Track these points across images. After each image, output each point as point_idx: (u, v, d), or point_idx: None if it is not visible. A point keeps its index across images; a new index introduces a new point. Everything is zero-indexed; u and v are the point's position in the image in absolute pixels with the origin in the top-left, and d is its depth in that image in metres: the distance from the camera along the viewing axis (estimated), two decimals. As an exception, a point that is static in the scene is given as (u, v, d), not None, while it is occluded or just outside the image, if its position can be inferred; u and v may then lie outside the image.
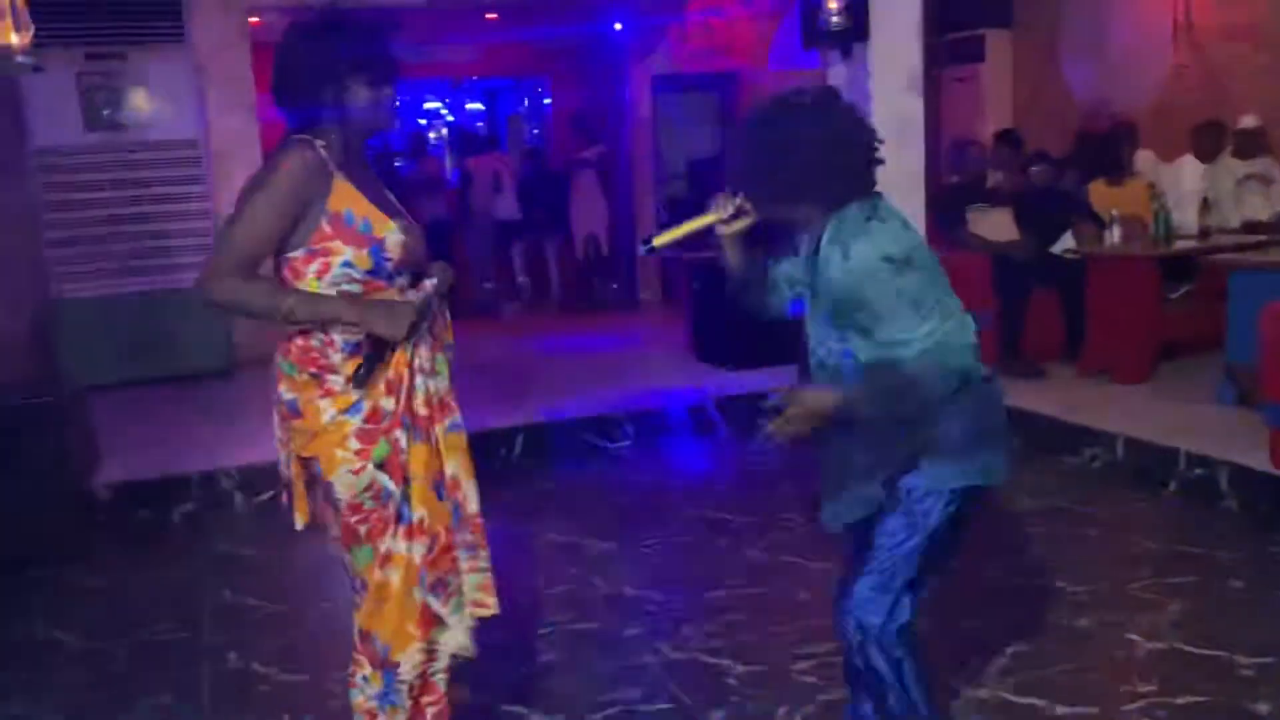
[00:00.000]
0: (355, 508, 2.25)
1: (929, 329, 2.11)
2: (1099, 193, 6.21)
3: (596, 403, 5.91)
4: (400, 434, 2.27)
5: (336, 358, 2.20)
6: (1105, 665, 3.12)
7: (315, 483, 2.30)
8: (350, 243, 2.16)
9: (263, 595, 3.92)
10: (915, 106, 5.81)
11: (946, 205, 6.33)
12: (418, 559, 2.30)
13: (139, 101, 6.96)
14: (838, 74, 6.18)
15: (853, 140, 2.18)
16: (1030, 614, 3.45)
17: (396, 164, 10.45)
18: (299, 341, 2.22)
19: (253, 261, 2.15)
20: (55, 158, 6.75)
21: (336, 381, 2.21)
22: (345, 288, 2.18)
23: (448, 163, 11.36)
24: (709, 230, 2.35)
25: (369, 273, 2.19)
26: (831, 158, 2.14)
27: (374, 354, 2.20)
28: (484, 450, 5.23)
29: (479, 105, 12.96)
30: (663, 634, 3.43)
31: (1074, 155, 6.79)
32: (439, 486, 2.34)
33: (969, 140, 7.26)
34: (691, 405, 5.86)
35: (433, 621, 2.36)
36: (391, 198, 2.35)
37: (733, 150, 2.30)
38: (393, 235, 2.20)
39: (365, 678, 2.34)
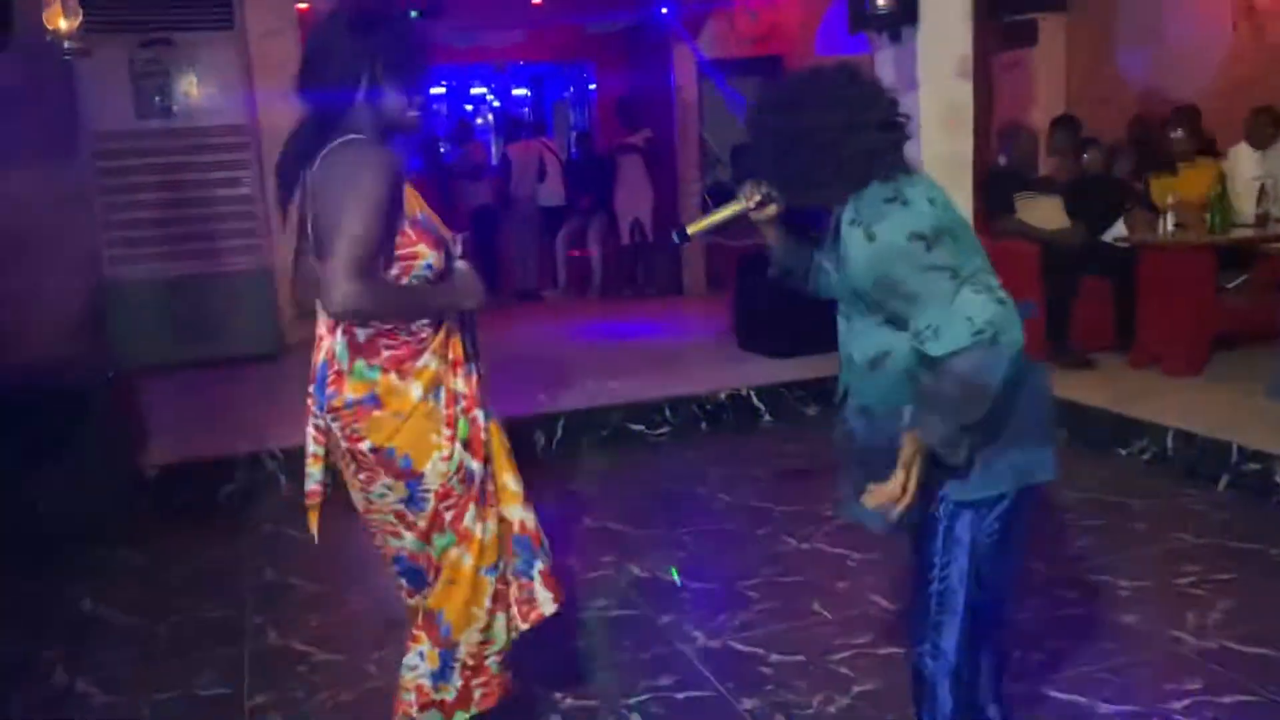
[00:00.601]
0: (446, 494, 2.23)
1: (976, 301, 1.88)
2: (1159, 183, 6.07)
3: (637, 389, 5.90)
4: (479, 412, 2.29)
5: (425, 335, 2.20)
6: (1151, 663, 3.06)
7: (373, 477, 2.24)
8: (431, 246, 2.17)
9: (305, 576, 3.96)
10: (965, 92, 5.70)
11: (994, 191, 6.21)
12: (490, 537, 2.31)
13: (189, 87, 7.05)
14: (885, 59, 6.08)
15: (866, 122, 2.01)
16: (1075, 608, 3.39)
17: (441, 150, 10.50)
18: (386, 341, 2.18)
19: (374, 262, 2.08)
20: (107, 142, 6.86)
21: (420, 362, 2.19)
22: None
23: (493, 148, 11.39)
24: (744, 217, 2.32)
25: (441, 273, 2.20)
26: (843, 143, 2.00)
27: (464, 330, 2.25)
28: (524, 435, 5.31)
29: (524, 91, 12.96)
30: (700, 622, 3.42)
31: (1129, 141, 6.64)
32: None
33: (1020, 125, 7.12)
34: (733, 393, 5.82)
35: (502, 604, 2.37)
36: None
37: (746, 149, 2.23)
38: (449, 235, 2.24)
39: (422, 654, 2.34)
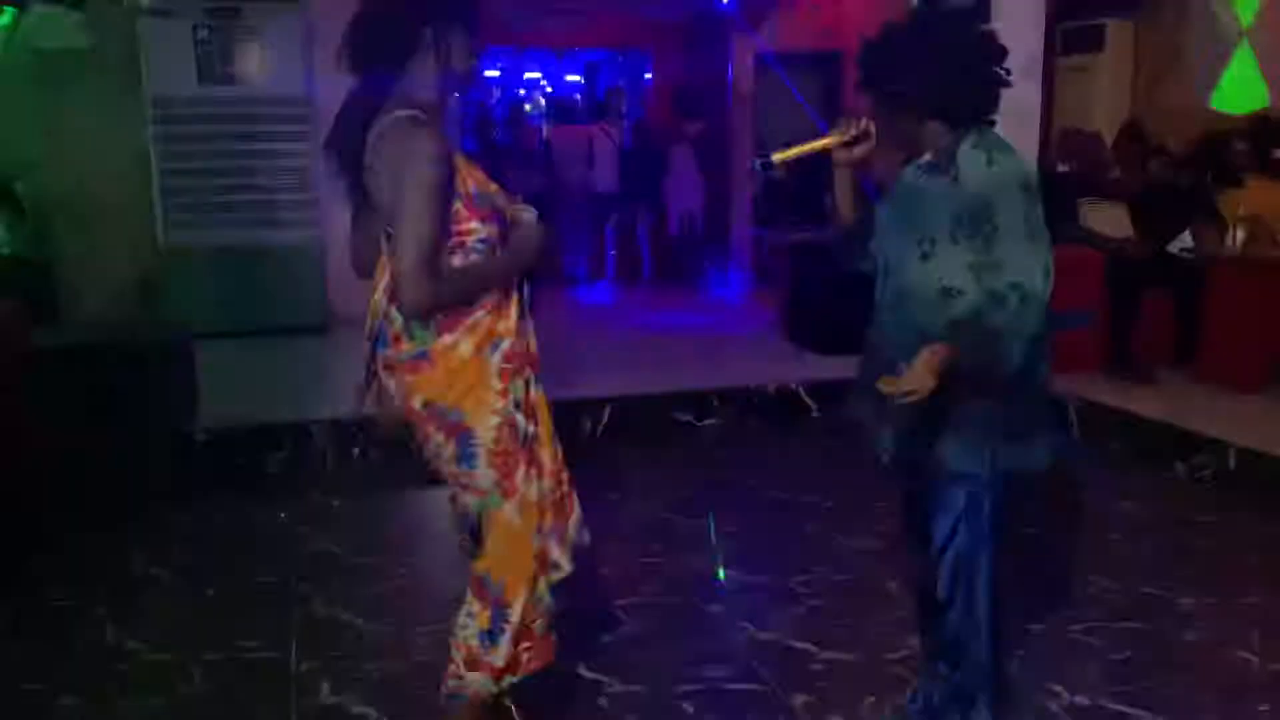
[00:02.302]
0: (497, 453, 2.24)
1: (1033, 272, 2.10)
2: (1228, 195, 5.93)
3: (686, 378, 5.86)
4: (530, 372, 2.30)
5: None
6: (1216, 682, 2.97)
7: (427, 435, 2.27)
8: (484, 219, 2.17)
9: (351, 546, 3.95)
10: (1032, 93, 5.60)
11: (1058, 196, 6.09)
12: (536, 499, 2.31)
13: (251, 57, 7.07)
14: (954, 56, 5.99)
15: (998, 60, 2.21)
16: (1136, 623, 3.30)
17: (494, 133, 10.49)
18: None
19: (439, 254, 2.11)
20: (169, 108, 6.89)
21: (473, 317, 2.19)
22: (474, 258, 2.19)
23: (545, 133, 11.36)
24: (827, 153, 2.33)
25: (495, 242, 2.20)
26: (990, 73, 2.18)
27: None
28: (572, 421, 5.28)
29: (577, 77, 12.92)
30: (750, 615, 3.37)
31: (1197, 153, 6.50)
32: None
33: (1088, 132, 6.99)
34: (782, 387, 5.76)
35: (548, 566, 2.37)
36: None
37: (879, 50, 2.26)
38: (501, 200, 2.23)
39: (472, 614, 2.34)
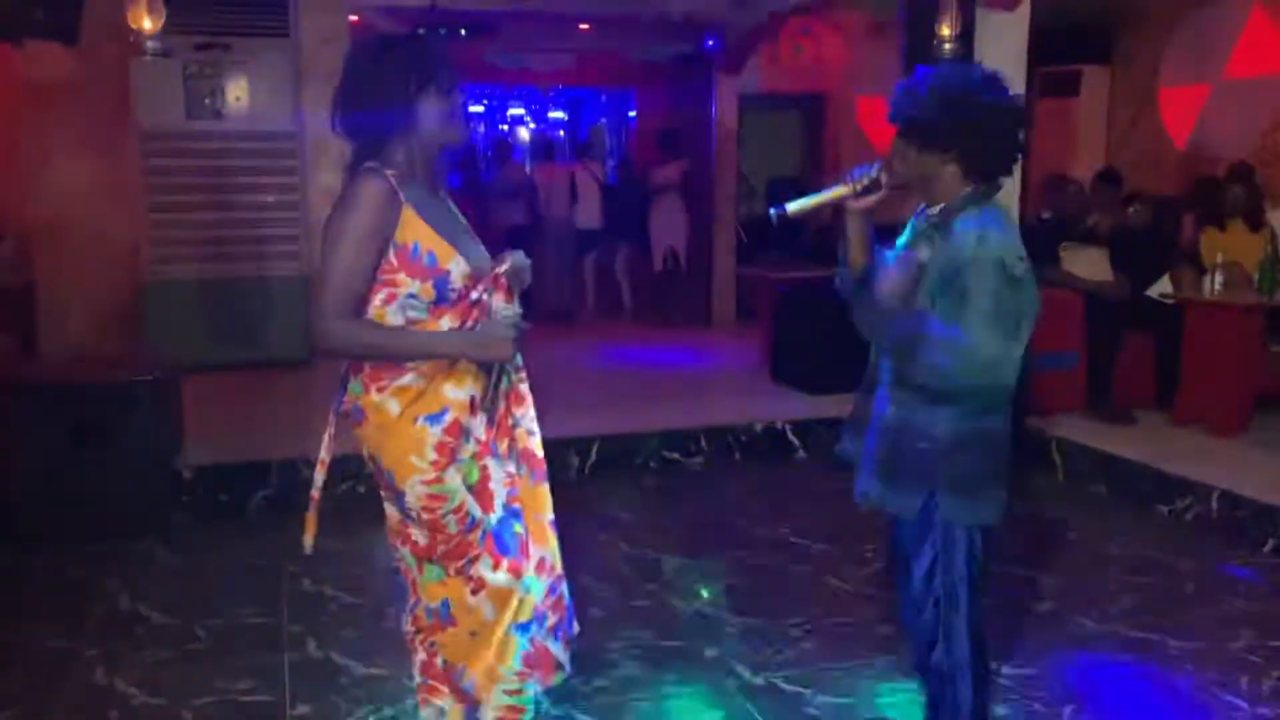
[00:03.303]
0: (435, 525, 2.21)
1: (986, 346, 2.14)
2: (1209, 238, 6.05)
3: (671, 417, 5.88)
4: (491, 462, 2.26)
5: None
6: (1206, 726, 3.01)
7: (377, 482, 2.27)
8: (415, 275, 2.13)
9: (341, 586, 3.93)
10: (1016, 138, 5.70)
11: (1039, 242, 6.19)
12: (538, 599, 2.29)
13: (241, 92, 7.09)
14: (937, 101, 6.10)
15: (1020, 122, 2.31)
16: (1127, 667, 3.34)
17: (480, 168, 10.54)
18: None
19: (355, 299, 2.12)
20: (157, 141, 6.89)
21: (408, 380, 2.17)
22: (411, 314, 2.16)
23: (528, 169, 11.44)
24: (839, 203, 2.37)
25: (434, 303, 2.16)
26: (1011, 134, 2.29)
27: (494, 376, 2.23)
28: (559, 458, 5.28)
29: (562, 114, 13.02)
30: (743, 658, 3.37)
31: (1188, 198, 6.62)
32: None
33: (1067, 178, 7.12)
34: (768, 426, 5.79)
35: (553, 667, 2.34)
36: (461, 219, 2.31)
37: (922, 89, 2.31)
38: (458, 267, 2.16)
39: (443, 711, 2.31)
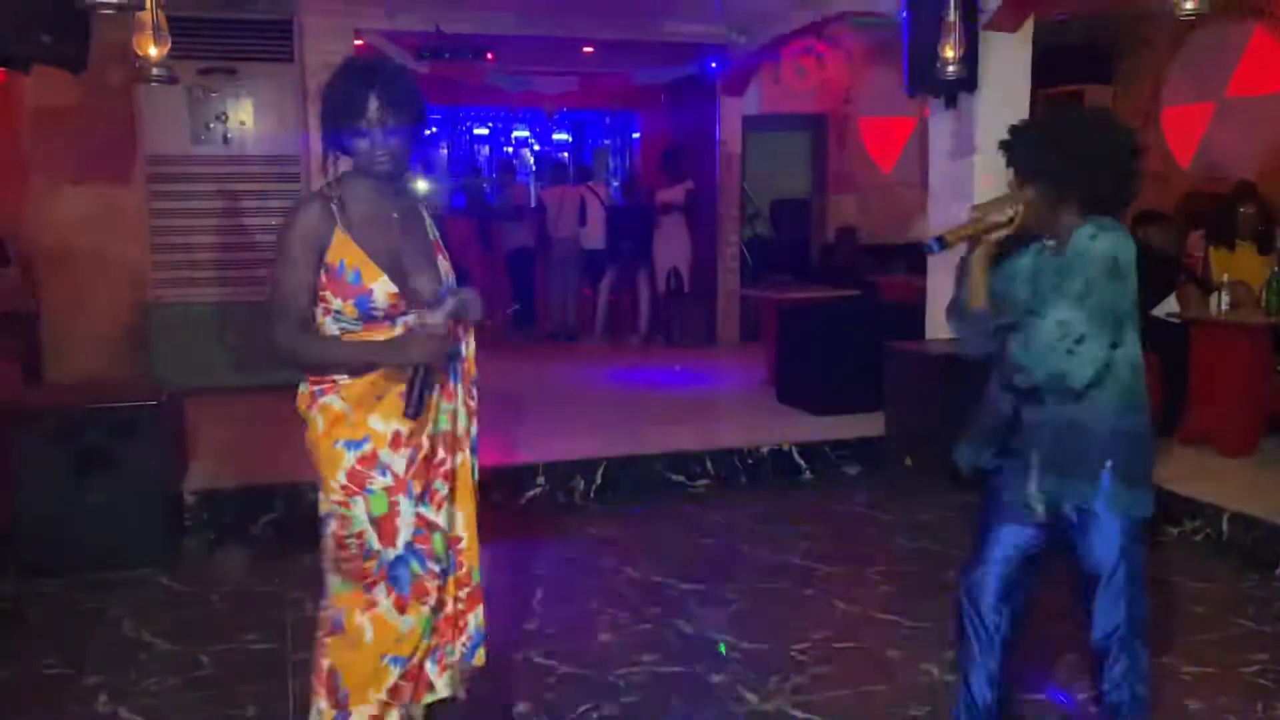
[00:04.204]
0: (339, 541, 2.33)
1: (1096, 346, 2.27)
2: (1218, 257, 6.04)
3: (677, 438, 5.86)
4: (403, 500, 2.33)
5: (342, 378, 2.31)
6: (1220, 752, 2.97)
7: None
8: (338, 293, 2.25)
9: (345, 612, 3.90)
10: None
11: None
12: (422, 637, 2.40)
13: (244, 116, 7.13)
14: (941, 123, 6.11)
15: (1135, 154, 2.39)
16: (1137, 691, 3.29)
17: (485, 188, 10.57)
18: (307, 377, 2.35)
19: (299, 312, 2.26)
20: (162, 166, 6.92)
21: (333, 401, 2.30)
22: (345, 326, 2.28)
23: (533, 191, 11.48)
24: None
25: (358, 320, 2.27)
26: (1120, 160, 2.37)
27: (417, 381, 2.26)
28: (564, 479, 5.27)
29: (566, 136, 13.08)
30: (751, 684, 3.34)
31: (1193, 217, 6.61)
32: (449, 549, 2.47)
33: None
34: (775, 448, 5.77)
35: (426, 688, 2.45)
36: (426, 242, 2.40)
37: (1042, 135, 2.41)
38: (381, 287, 2.26)
39: (320, 712, 2.38)
